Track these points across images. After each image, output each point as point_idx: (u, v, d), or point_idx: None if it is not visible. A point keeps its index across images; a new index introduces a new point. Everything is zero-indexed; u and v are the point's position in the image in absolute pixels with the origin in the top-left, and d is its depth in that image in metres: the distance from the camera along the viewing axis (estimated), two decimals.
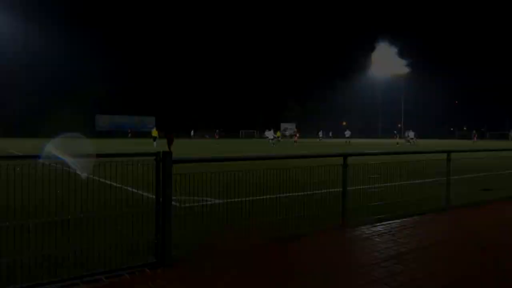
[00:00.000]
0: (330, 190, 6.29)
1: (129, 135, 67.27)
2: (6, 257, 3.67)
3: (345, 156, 5.26)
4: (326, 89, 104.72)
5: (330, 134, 71.42)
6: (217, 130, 71.00)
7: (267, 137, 42.06)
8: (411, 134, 49.39)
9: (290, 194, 6.33)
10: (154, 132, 33.69)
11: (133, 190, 6.64)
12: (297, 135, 52.01)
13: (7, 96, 65.30)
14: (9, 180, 3.35)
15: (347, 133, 52.91)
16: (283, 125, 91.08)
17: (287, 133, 56.89)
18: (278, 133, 53.32)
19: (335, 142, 51.38)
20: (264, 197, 5.26)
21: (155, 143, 31.72)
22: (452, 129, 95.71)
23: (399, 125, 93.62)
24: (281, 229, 4.87)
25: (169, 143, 5.74)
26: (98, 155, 3.69)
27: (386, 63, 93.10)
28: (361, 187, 6.50)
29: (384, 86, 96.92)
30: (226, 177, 4.63)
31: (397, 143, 43.77)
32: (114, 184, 5.09)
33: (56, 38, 65.46)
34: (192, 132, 69.23)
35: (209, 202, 6.59)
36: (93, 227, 4.94)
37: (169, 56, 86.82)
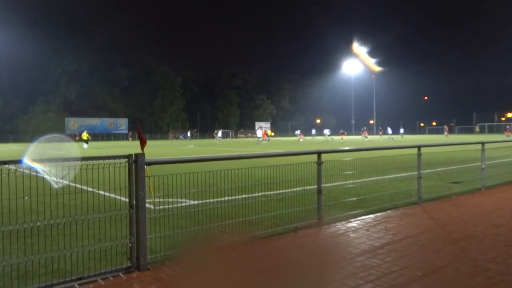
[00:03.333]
0: (306, 187, 6.34)
1: (77, 138, 66.11)
2: None
3: (319, 153, 5.30)
4: (300, 87, 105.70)
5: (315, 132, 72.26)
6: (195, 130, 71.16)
7: (257, 136, 47.08)
8: (389, 130, 52.64)
9: (266, 192, 6.34)
10: (84, 135, 33.65)
11: (105, 193, 6.51)
12: (267, 134, 53.12)
13: None
14: None
15: (327, 131, 55.37)
16: (258, 124, 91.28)
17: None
18: (270, 132, 56.07)
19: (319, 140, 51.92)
20: (240, 196, 5.25)
21: (86, 145, 31.55)
22: (422, 124, 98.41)
23: (372, 122, 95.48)
24: (257, 228, 4.86)
25: (142, 145, 5.66)
26: (69, 159, 3.59)
27: (357, 61, 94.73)
28: (336, 183, 6.59)
29: (356, 84, 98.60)
30: (201, 178, 4.59)
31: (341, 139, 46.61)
32: (85, 188, 4.97)
33: (24, 40, 63.18)
34: (189, 133, 69.72)
35: (184, 204, 6.53)
36: (64, 233, 4.81)
37: (143, 52, 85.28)
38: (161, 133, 79.05)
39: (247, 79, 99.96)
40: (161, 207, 6.42)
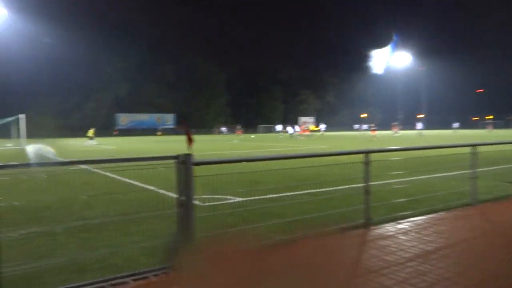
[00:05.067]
0: (352, 185, 6.21)
1: (158, 134, 68.85)
2: (37, 261, 3.77)
3: (367, 153, 5.17)
4: (346, 81, 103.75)
5: (366, 127, 67.33)
6: (238, 126, 69.85)
7: (288, 131, 47.55)
8: (419, 126, 50.03)
9: (312, 191, 6.28)
10: (90, 132, 35.14)
11: (159, 190, 6.72)
12: (308, 128, 51.36)
13: (31, 98, 66.91)
14: (37, 186, 3.42)
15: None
16: (302, 119, 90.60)
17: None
18: (313, 127, 55.30)
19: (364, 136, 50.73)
20: (285, 194, 5.24)
21: (90, 141, 33.53)
22: (476, 118, 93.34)
23: (420, 116, 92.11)
24: (302, 228, 4.83)
25: (189, 143, 5.86)
26: (121, 160, 3.73)
27: (405, 53, 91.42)
28: (384, 182, 6.42)
29: (404, 77, 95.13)
30: (246, 176, 4.62)
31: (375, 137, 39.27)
32: (138, 184, 5.17)
33: (79, 41, 66.65)
34: (224, 129, 69.65)
35: (231, 201, 6.62)
36: (117, 228, 5.02)
37: (188, 49, 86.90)
38: (206, 128, 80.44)
39: (291, 74, 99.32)
40: (208, 203, 6.57)
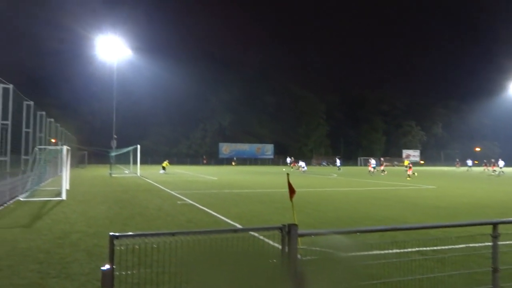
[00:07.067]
0: (470, 245, 5.43)
1: (233, 163, 71.13)
2: None
3: (495, 224, 4.49)
4: (456, 112, 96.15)
5: (470, 163, 60.41)
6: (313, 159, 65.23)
7: (301, 166, 44.14)
8: (501, 163, 43.05)
9: (422, 249, 5.65)
10: (165, 164, 39.34)
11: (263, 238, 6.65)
12: (375, 165, 44.42)
13: (147, 128, 74.03)
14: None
15: (338, 162, 53.23)
16: (406, 152, 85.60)
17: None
18: (406, 162, 50.86)
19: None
20: (391, 251, 4.78)
21: (163, 171, 37.43)
22: None
23: None
24: None
25: (291, 194, 5.91)
26: (234, 230, 3.72)
27: None
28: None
29: None
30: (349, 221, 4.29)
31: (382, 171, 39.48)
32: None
33: (188, 73, 72.80)
34: (288, 159, 64.35)
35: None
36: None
37: (289, 80, 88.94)
38: (304, 159, 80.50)
39: (395, 104, 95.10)
40: (307, 258, 6.29)
